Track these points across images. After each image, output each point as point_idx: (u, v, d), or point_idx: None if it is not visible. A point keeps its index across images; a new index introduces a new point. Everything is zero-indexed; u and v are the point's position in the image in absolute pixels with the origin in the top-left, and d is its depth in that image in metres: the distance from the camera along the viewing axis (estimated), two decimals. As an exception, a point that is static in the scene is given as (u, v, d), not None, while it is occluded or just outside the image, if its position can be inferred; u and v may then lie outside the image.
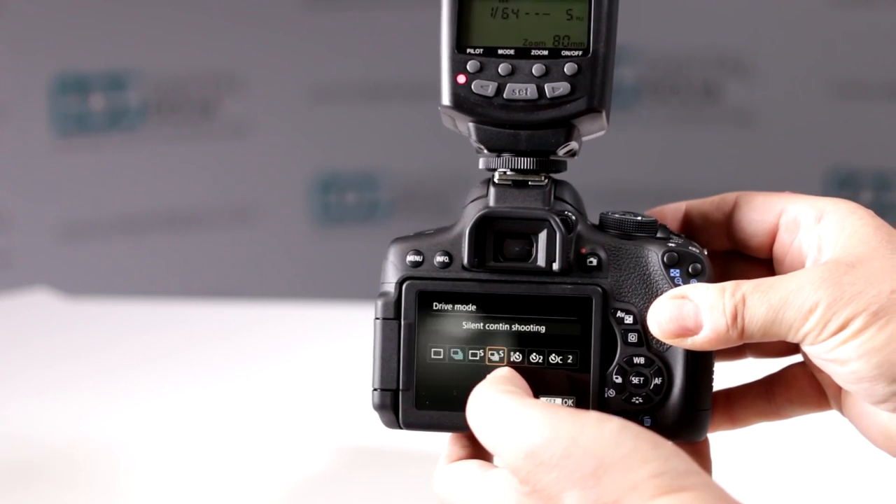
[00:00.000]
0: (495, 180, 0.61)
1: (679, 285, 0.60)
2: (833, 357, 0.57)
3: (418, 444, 0.62)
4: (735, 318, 0.57)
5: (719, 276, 0.65)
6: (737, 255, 0.66)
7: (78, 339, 1.35)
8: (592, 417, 0.53)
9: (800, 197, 0.63)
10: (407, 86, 2.38)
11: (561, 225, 0.60)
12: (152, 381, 1.21)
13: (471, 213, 0.61)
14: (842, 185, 2.44)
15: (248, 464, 1.02)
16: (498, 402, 0.56)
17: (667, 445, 0.53)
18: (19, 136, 2.33)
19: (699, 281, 0.60)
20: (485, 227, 0.60)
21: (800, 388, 0.65)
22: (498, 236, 0.60)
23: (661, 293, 0.60)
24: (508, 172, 0.62)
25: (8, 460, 1.02)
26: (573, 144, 0.62)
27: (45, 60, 2.33)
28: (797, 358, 0.65)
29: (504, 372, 0.59)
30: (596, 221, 0.63)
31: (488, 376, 0.59)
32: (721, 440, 0.67)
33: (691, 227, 0.66)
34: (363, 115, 2.44)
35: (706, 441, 0.64)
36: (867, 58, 2.41)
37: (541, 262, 0.60)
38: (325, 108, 2.45)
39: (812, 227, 0.61)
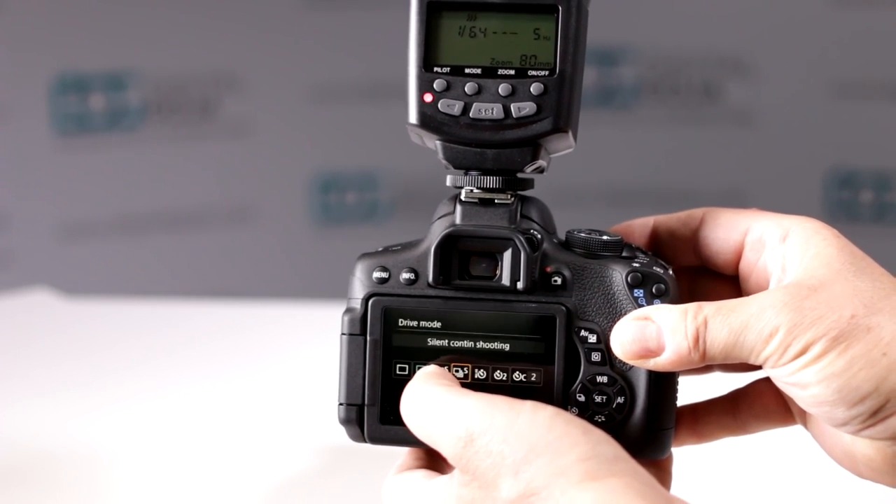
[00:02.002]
0: (462, 198, 0.62)
1: (643, 306, 0.60)
2: (794, 381, 0.57)
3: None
4: (697, 340, 0.57)
5: (686, 291, 0.65)
6: (704, 271, 0.66)
7: (78, 339, 1.35)
8: (528, 405, 0.54)
9: (765, 215, 0.63)
10: (407, 86, 2.38)
11: (525, 244, 0.60)
12: (152, 381, 1.21)
13: (437, 231, 0.61)
14: (842, 185, 2.44)
15: (249, 464, 1.02)
16: (434, 394, 0.56)
17: (597, 432, 0.53)
18: (19, 136, 2.33)
19: (663, 301, 0.60)
20: (450, 245, 0.60)
21: (765, 403, 0.65)
22: (463, 254, 0.61)
23: (625, 313, 0.60)
24: (475, 190, 0.62)
25: (9, 460, 1.02)
26: (540, 162, 0.62)
27: (45, 60, 2.33)
28: (763, 373, 0.65)
29: (433, 368, 0.59)
30: (563, 237, 0.63)
31: (418, 372, 0.59)
32: (686, 455, 0.67)
33: (659, 242, 0.66)
34: (363, 115, 2.44)
35: (669, 456, 0.64)
36: (867, 58, 2.41)
37: (505, 280, 0.60)
38: (325, 108, 2.45)
39: (777, 246, 0.61)
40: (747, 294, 0.62)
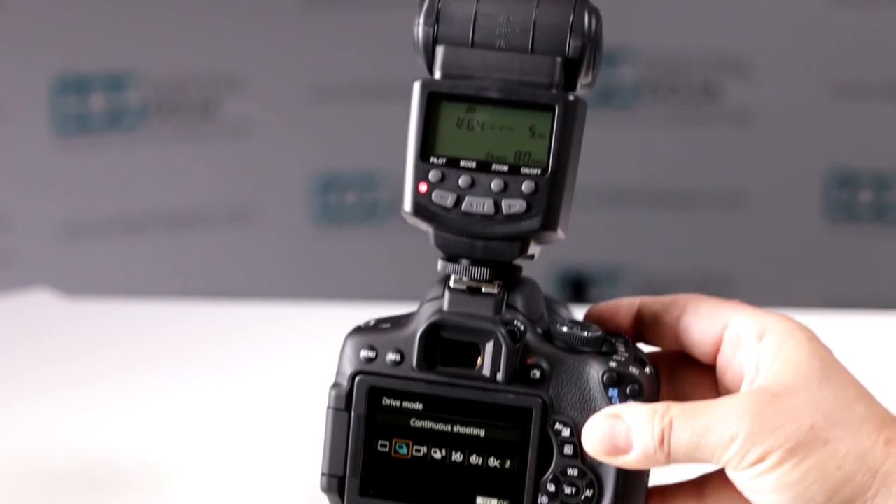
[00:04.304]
0: (451, 284, 0.63)
1: (616, 404, 0.61)
2: (751, 486, 0.58)
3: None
4: (662, 441, 0.59)
5: (666, 377, 0.66)
6: (685, 357, 0.66)
7: (78, 339, 1.35)
8: None
9: (745, 310, 0.63)
10: (407, 86, 2.38)
11: (507, 337, 0.61)
12: (152, 381, 1.21)
13: (424, 315, 0.62)
14: (842, 185, 2.44)
15: (248, 464, 1.02)
16: None
17: None
18: (19, 136, 2.34)
19: (636, 401, 0.61)
20: (435, 332, 0.62)
21: (730, 492, 0.66)
22: (447, 342, 0.62)
23: (599, 409, 0.61)
24: (464, 278, 0.63)
25: (8, 459, 1.02)
26: (529, 252, 0.63)
27: (45, 60, 2.33)
28: None
29: None
30: (548, 318, 0.64)
31: None
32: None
33: (643, 324, 0.67)
34: (363, 115, 2.45)
35: None
36: (867, 58, 2.41)
37: (486, 371, 0.61)
38: (325, 108, 2.45)
39: (753, 345, 0.61)
40: (724, 387, 0.63)
